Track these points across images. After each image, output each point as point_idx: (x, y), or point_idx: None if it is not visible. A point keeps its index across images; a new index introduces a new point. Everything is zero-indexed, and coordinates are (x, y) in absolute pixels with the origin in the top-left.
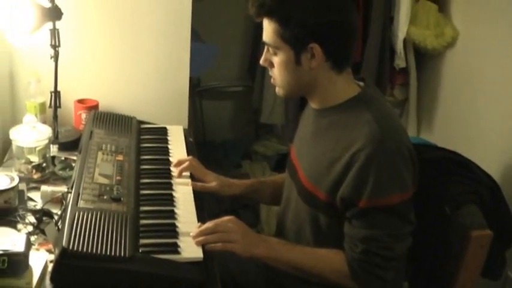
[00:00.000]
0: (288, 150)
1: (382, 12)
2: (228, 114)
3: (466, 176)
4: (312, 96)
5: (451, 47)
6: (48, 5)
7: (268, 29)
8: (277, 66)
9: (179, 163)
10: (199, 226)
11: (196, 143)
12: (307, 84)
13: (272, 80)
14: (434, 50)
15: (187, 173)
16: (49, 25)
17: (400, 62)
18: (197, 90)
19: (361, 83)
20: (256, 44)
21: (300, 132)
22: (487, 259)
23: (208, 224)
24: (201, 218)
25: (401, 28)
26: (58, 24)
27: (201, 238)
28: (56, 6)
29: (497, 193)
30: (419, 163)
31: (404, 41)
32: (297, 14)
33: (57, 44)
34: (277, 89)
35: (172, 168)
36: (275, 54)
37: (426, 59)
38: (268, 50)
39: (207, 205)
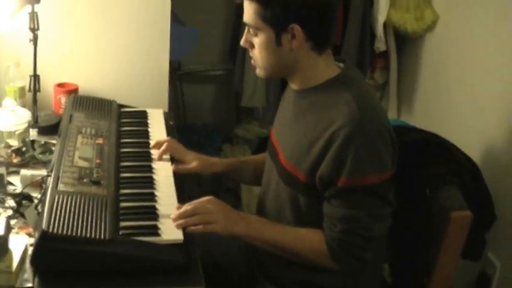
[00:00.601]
0: (269, 133)
1: None
2: (209, 98)
3: (446, 158)
4: (292, 77)
5: (431, 30)
6: None
7: (249, 10)
8: (257, 47)
9: (158, 144)
10: (179, 207)
11: (177, 127)
12: (288, 65)
13: (252, 61)
14: (414, 33)
15: (168, 158)
16: (28, 8)
17: (380, 46)
18: (178, 73)
19: (341, 64)
20: (237, 27)
21: (280, 114)
22: (468, 240)
23: (188, 206)
24: (182, 200)
25: (382, 12)
26: (37, 7)
27: (181, 221)
28: None
29: (477, 175)
30: (399, 145)
31: (385, 24)
32: None
33: (36, 27)
34: (257, 70)
35: (152, 151)
36: (255, 35)
37: (406, 42)
38: (248, 30)
39: (187, 188)
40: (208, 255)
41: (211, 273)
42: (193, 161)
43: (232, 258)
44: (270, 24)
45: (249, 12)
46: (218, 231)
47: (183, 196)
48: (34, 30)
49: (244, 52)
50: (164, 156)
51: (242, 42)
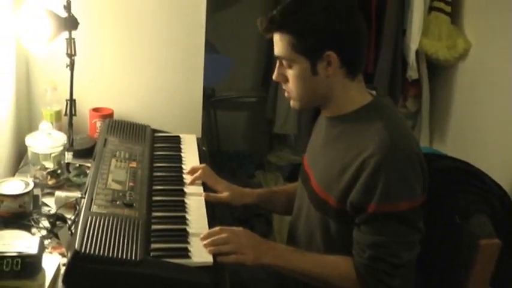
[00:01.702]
0: (300, 160)
1: (395, 24)
2: (242, 125)
3: (477, 186)
4: (326, 105)
5: (463, 58)
6: (65, 14)
7: (281, 43)
8: (292, 79)
9: (193, 170)
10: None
11: (210, 153)
12: (323, 94)
13: (286, 94)
14: (446, 62)
15: (199, 181)
16: (65, 34)
17: (412, 74)
18: (212, 100)
19: (374, 92)
20: (271, 55)
21: (313, 140)
22: (497, 268)
23: (221, 234)
24: (213, 225)
25: (414, 39)
26: (74, 33)
27: (212, 248)
28: (72, 16)
29: (507, 203)
30: (430, 172)
31: (417, 52)
32: (309, 24)
33: (73, 53)
34: (292, 103)
35: (185, 176)
36: (290, 67)
37: (439, 71)
38: (281, 64)
39: (219, 213)
40: (236, 277)
41: None
42: (224, 191)
43: (260, 282)
44: (305, 55)
45: (281, 45)
46: (247, 263)
47: (213, 220)
48: (71, 55)
49: None
50: (196, 182)
51: (275, 76)
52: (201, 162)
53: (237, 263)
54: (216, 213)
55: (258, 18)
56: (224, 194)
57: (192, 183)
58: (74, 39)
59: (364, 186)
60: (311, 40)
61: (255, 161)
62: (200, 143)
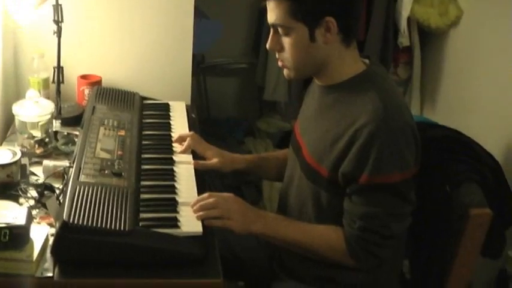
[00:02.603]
0: (291, 127)
1: None
2: (232, 91)
3: (468, 155)
4: (320, 73)
5: (455, 26)
6: None
7: (278, 10)
8: (289, 47)
9: (180, 138)
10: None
11: (199, 120)
12: (319, 62)
13: (280, 63)
14: (438, 29)
15: (189, 154)
16: (52, 0)
17: (403, 40)
18: (201, 67)
19: (367, 61)
20: (261, 21)
21: (304, 109)
22: (487, 238)
23: (209, 199)
24: (202, 193)
25: (405, 6)
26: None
27: (201, 213)
28: None
29: (498, 172)
30: (421, 141)
31: (408, 19)
32: None
33: (60, 19)
34: (286, 72)
35: (174, 144)
36: (286, 34)
37: (430, 38)
38: (275, 32)
39: (209, 181)
40: (227, 248)
41: (231, 266)
42: (214, 157)
43: (252, 252)
44: (304, 21)
45: (278, 12)
46: (235, 229)
47: (203, 189)
48: (58, 22)
49: None
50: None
51: (269, 45)
52: (190, 130)
53: (225, 228)
54: (205, 180)
55: None
56: (214, 161)
57: (184, 153)
58: (61, 5)
59: (356, 157)
60: (311, 5)
61: (244, 127)
62: (190, 110)
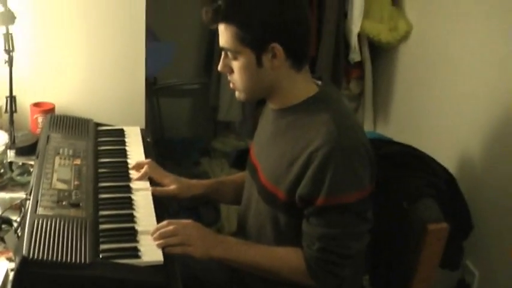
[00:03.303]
0: (245, 146)
1: (336, 6)
2: (185, 112)
3: (422, 170)
4: (272, 97)
5: (405, 40)
6: (1, 9)
7: (226, 34)
8: (237, 70)
9: (138, 166)
10: (159, 226)
11: (154, 142)
12: (269, 86)
13: (231, 85)
14: (388, 44)
15: (146, 182)
16: (2, 29)
17: (355, 56)
18: (154, 88)
19: (319, 82)
20: (212, 41)
21: (259, 132)
22: (445, 250)
23: (168, 227)
24: (161, 220)
25: (356, 22)
26: (11, 28)
27: (161, 241)
28: (9, 10)
29: (453, 185)
30: (376, 159)
31: (359, 34)
32: (255, 15)
33: (11, 48)
34: (237, 94)
35: (131, 171)
36: (235, 58)
37: (381, 53)
38: (226, 55)
39: (167, 202)
40: (189, 273)
41: (191, 287)
42: (171, 184)
43: (212, 274)
44: (250, 46)
45: (226, 37)
46: (195, 255)
47: (162, 214)
48: (9, 51)
49: None
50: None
51: (220, 67)
52: (146, 155)
53: (185, 255)
54: (163, 205)
55: (203, 8)
56: (171, 187)
57: (140, 180)
58: (11, 34)
59: (312, 179)
60: (256, 32)
61: (199, 148)
62: (144, 134)
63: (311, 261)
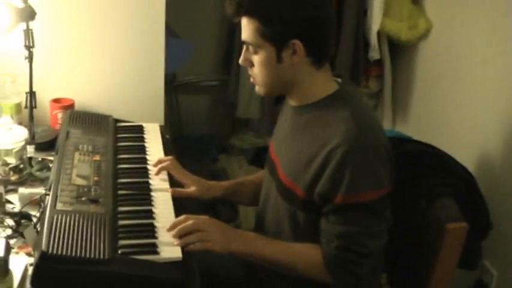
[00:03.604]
0: (264, 143)
1: (356, 4)
2: (204, 109)
3: (441, 169)
4: (291, 93)
5: (425, 38)
6: (22, 5)
7: (248, 28)
8: (257, 64)
9: (159, 162)
10: (176, 222)
11: (173, 139)
12: (288, 82)
13: (252, 79)
14: (408, 42)
15: (165, 177)
16: (23, 25)
17: (374, 54)
18: (173, 85)
19: (339, 80)
20: (231, 38)
21: (278, 129)
22: (464, 250)
23: (186, 222)
24: (180, 215)
25: (375, 20)
26: (32, 24)
27: (180, 241)
28: (29, 6)
29: (472, 185)
30: (395, 157)
31: (379, 32)
32: (277, 11)
33: (31, 44)
34: (257, 88)
35: (150, 167)
36: (255, 52)
37: (400, 51)
38: (247, 49)
39: (185, 200)
40: (206, 269)
41: (208, 283)
42: (192, 185)
43: (230, 270)
44: (271, 41)
45: (248, 30)
46: (216, 250)
47: (180, 211)
48: (29, 47)
49: (239, 64)
50: (163, 177)
51: (241, 60)
52: (165, 151)
53: (206, 250)
54: (182, 202)
55: (227, 1)
56: (191, 189)
57: (158, 173)
58: (31, 30)
59: (330, 178)
60: (277, 27)
61: (218, 144)
62: (163, 131)
63: (329, 258)
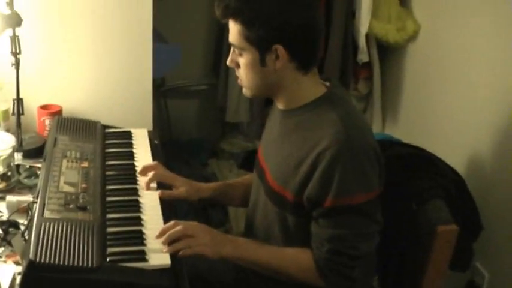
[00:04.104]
0: (253, 147)
1: (344, 7)
2: (193, 113)
3: (431, 171)
4: (278, 96)
5: (413, 40)
6: (8, 11)
7: (234, 30)
8: (242, 67)
9: (144, 170)
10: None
11: (162, 143)
12: (273, 85)
13: (239, 80)
14: (396, 44)
15: (153, 184)
16: (9, 32)
17: (363, 57)
18: (162, 90)
19: (327, 83)
20: (220, 42)
21: (266, 133)
22: (455, 252)
23: (175, 227)
24: (169, 221)
25: (363, 23)
26: (18, 30)
27: (170, 247)
28: (16, 12)
29: (462, 186)
30: (384, 160)
31: (367, 35)
32: (261, 15)
33: (17, 51)
34: (244, 90)
35: (138, 174)
36: (240, 55)
37: (389, 53)
38: (234, 50)
39: (175, 204)
40: (195, 274)
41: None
42: (180, 187)
43: (219, 273)
44: (254, 45)
45: (233, 33)
46: (207, 254)
47: (169, 217)
48: (16, 54)
49: (227, 68)
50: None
51: (228, 61)
52: (153, 157)
53: (196, 255)
54: (172, 204)
55: (216, 2)
56: (180, 190)
57: (147, 187)
58: (18, 36)
59: (320, 181)
60: (260, 31)
61: (208, 149)
62: (152, 136)
63: (321, 262)
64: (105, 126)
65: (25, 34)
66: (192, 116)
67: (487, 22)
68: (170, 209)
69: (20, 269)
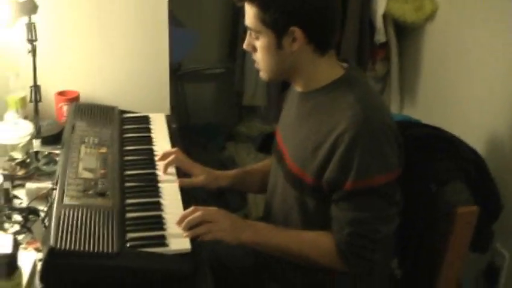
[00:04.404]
0: (271, 129)
1: None
2: (210, 97)
3: (451, 152)
4: (295, 79)
5: (431, 20)
6: None
7: (250, 13)
8: (259, 50)
9: (164, 156)
10: (185, 214)
11: (179, 128)
12: (290, 68)
13: (256, 64)
14: (413, 24)
15: (172, 169)
16: (25, 19)
17: (380, 37)
18: (178, 74)
19: (345, 65)
20: (236, 26)
21: (284, 116)
22: (475, 233)
23: (195, 213)
24: (188, 207)
25: (380, 3)
26: (34, 17)
27: (189, 232)
28: None
29: (482, 167)
30: (403, 141)
31: (384, 15)
32: None
33: (34, 38)
34: (260, 73)
35: (156, 158)
36: (257, 38)
37: (406, 33)
38: (250, 34)
39: (194, 190)
40: (215, 259)
41: (218, 273)
42: (199, 175)
43: (239, 261)
44: (270, 28)
45: (249, 16)
46: (227, 240)
47: (189, 202)
48: (32, 41)
49: (244, 51)
50: (169, 170)
51: (245, 45)
52: (171, 141)
53: (216, 240)
54: (190, 192)
55: None
56: (199, 178)
57: (165, 170)
58: (34, 23)
59: (339, 164)
60: (276, 14)
61: (225, 132)
62: (170, 120)
63: (341, 245)
64: (122, 111)
65: (41, 21)
66: (209, 100)
67: (506, 0)
68: (189, 195)
69: (40, 255)
